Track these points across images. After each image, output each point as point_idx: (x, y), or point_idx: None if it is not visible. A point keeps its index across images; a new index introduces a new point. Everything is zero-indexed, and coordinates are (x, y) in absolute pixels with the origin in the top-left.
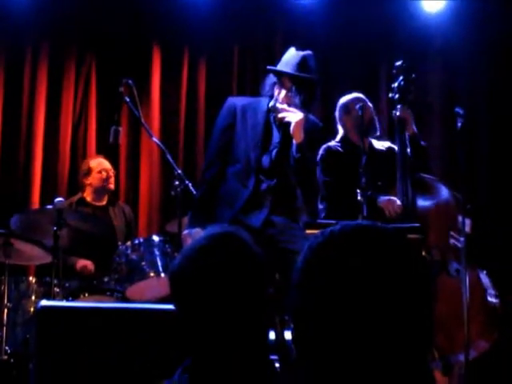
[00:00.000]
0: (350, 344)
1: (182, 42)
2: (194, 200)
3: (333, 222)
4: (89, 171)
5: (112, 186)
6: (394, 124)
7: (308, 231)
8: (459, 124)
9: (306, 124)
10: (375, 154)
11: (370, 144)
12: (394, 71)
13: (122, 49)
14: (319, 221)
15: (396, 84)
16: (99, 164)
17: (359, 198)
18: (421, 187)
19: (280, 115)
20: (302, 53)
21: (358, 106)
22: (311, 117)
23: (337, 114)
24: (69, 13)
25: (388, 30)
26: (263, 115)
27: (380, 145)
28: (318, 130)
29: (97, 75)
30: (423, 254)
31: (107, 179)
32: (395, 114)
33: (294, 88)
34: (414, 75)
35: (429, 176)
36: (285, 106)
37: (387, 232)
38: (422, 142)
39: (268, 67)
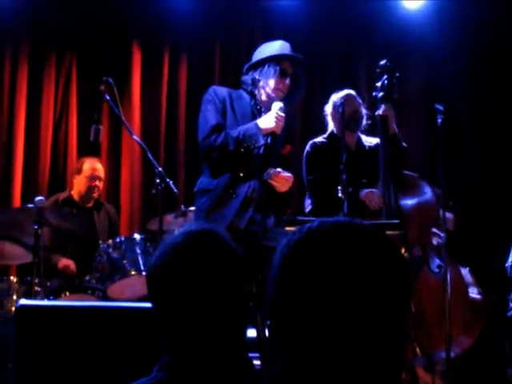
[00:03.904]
0: (324, 340)
1: (163, 39)
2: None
3: (312, 218)
4: (79, 172)
5: (95, 195)
6: (375, 122)
7: (288, 228)
8: (439, 120)
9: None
10: (362, 150)
11: (359, 139)
12: (378, 70)
13: (102, 47)
14: (299, 218)
15: (380, 83)
16: (91, 169)
17: (340, 194)
18: (403, 185)
19: (273, 183)
20: (286, 42)
21: (339, 102)
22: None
23: (327, 109)
24: (49, 12)
25: (367, 27)
26: (249, 106)
27: (368, 141)
28: (292, 128)
29: (77, 74)
30: (402, 250)
31: (92, 188)
32: (378, 112)
33: (294, 73)
34: (397, 74)
35: (411, 173)
36: (278, 173)
37: (365, 229)
38: (403, 144)
39: (278, 53)
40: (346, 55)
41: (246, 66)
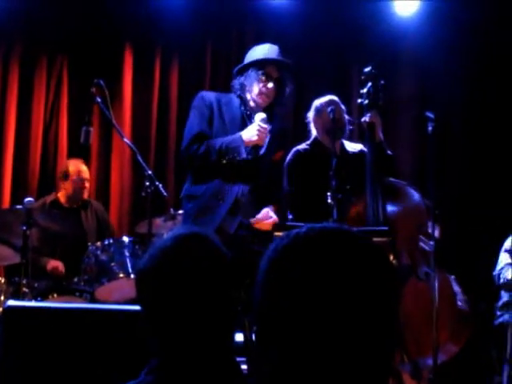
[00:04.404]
0: (312, 345)
1: (154, 42)
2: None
3: (301, 224)
4: (66, 176)
5: (85, 196)
6: (362, 129)
7: (277, 233)
8: (430, 128)
9: (277, 132)
10: (346, 156)
11: (342, 146)
12: (363, 77)
13: (93, 49)
14: (288, 223)
15: (365, 90)
16: (77, 172)
17: (329, 201)
18: (390, 192)
19: (258, 226)
20: (274, 45)
21: (329, 109)
22: (279, 120)
23: (310, 116)
24: (41, 14)
25: (360, 32)
26: (238, 111)
27: (352, 147)
28: (286, 131)
29: (68, 76)
30: (391, 257)
31: (81, 189)
32: (365, 119)
33: (280, 77)
34: (382, 82)
35: (399, 181)
36: (260, 221)
37: (354, 235)
38: (389, 151)
39: (261, 58)
40: (339, 58)
41: (235, 71)
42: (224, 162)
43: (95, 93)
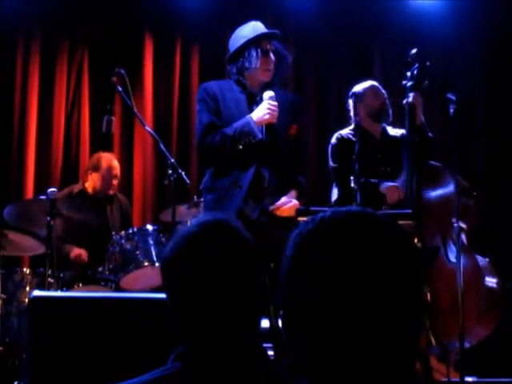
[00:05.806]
0: (338, 330)
1: (175, 30)
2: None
3: (325, 209)
4: (96, 169)
5: (111, 192)
6: (403, 111)
7: (300, 218)
8: (451, 110)
9: (288, 106)
10: (387, 140)
11: (384, 130)
12: (409, 59)
13: (114, 38)
14: (312, 208)
15: (410, 72)
16: (108, 168)
17: (352, 185)
18: (428, 175)
19: (280, 214)
20: (257, 21)
21: (359, 94)
22: (289, 93)
23: (350, 101)
24: (61, 2)
25: (381, 16)
26: (241, 95)
27: (394, 131)
28: (298, 104)
29: (89, 65)
30: (415, 240)
31: (108, 185)
32: (407, 100)
33: (275, 47)
34: (428, 63)
35: (437, 164)
36: (279, 207)
37: (378, 219)
38: (429, 134)
39: (253, 36)
40: (360, 45)
41: (228, 56)
42: (240, 147)
43: (116, 82)
